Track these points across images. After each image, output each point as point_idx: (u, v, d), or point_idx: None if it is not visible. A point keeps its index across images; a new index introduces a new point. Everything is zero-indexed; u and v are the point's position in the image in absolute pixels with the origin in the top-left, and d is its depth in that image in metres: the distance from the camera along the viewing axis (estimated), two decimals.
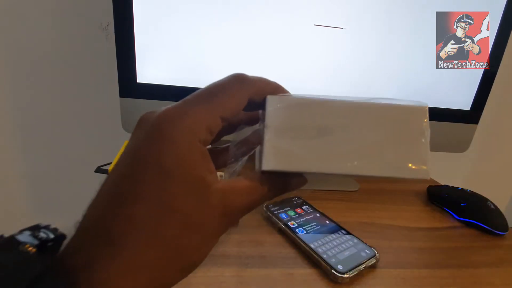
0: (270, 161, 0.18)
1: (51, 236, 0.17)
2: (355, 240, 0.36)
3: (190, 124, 0.16)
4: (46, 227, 0.17)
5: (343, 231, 0.38)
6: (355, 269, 0.32)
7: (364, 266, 0.33)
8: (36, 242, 0.16)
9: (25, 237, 0.16)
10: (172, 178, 0.15)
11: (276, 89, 0.19)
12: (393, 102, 0.19)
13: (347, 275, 0.31)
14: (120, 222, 0.15)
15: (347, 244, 0.36)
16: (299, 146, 0.18)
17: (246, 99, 0.18)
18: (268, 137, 0.18)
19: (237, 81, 0.18)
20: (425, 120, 0.19)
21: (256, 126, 0.20)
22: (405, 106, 0.19)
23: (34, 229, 0.17)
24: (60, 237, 0.17)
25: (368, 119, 0.18)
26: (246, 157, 0.20)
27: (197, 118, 0.16)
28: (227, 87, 0.17)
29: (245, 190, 0.17)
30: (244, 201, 0.17)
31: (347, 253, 0.34)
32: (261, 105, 0.19)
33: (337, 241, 0.36)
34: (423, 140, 0.19)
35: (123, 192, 0.15)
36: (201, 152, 0.16)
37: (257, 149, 0.20)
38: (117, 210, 0.15)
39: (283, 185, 0.19)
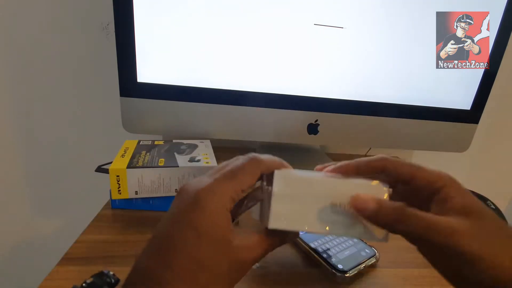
0: (274, 222, 0.23)
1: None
2: (355, 239, 0.36)
3: (220, 198, 0.21)
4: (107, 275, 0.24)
5: None
6: (355, 269, 0.32)
7: (364, 265, 0.33)
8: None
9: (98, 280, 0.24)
10: (205, 240, 0.20)
11: (281, 164, 0.25)
12: (364, 181, 0.25)
13: (347, 275, 0.31)
14: (164, 271, 0.19)
15: (347, 243, 0.36)
16: (295, 211, 0.24)
17: (259, 174, 0.24)
18: (274, 203, 0.23)
19: (254, 162, 0.24)
20: (386, 195, 0.24)
21: (258, 183, 0.25)
22: (369, 184, 0.25)
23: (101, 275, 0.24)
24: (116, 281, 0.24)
25: (344, 193, 0.24)
26: (254, 206, 0.27)
27: (226, 193, 0.22)
28: (247, 168, 0.23)
29: (255, 245, 0.23)
30: (255, 254, 0.23)
31: (347, 252, 0.34)
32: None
33: (337, 240, 0.36)
34: None
35: (167, 249, 0.20)
36: (227, 218, 0.21)
37: (260, 203, 0.27)
38: (162, 262, 0.20)
39: (283, 238, 0.25)
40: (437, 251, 0.23)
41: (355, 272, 0.31)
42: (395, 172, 0.25)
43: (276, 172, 0.24)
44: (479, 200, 0.24)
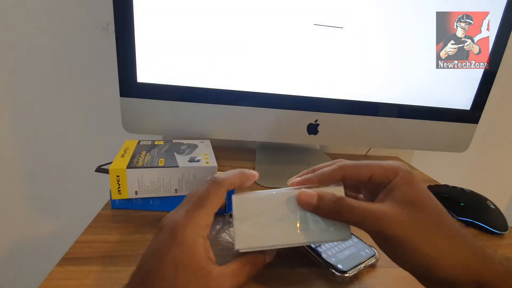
0: (240, 243, 0.25)
1: None
2: (355, 239, 0.36)
3: (195, 228, 0.23)
4: None
5: None
6: (355, 268, 0.32)
7: (364, 265, 0.33)
8: None
9: None
10: (184, 274, 0.21)
11: (243, 176, 0.27)
12: (317, 188, 0.27)
13: (347, 275, 0.31)
14: None
15: (346, 243, 0.36)
16: (259, 230, 0.25)
17: (225, 193, 0.25)
18: (236, 226, 0.25)
19: (216, 185, 0.25)
20: (342, 192, 0.26)
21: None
22: (326, 188, 0.26)
23: None
24: None
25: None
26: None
27: (199, 222, 0.23)
28: (211, 192, 0.25)
29: (237, 271, 0.24)
30: (238, 280, 0.24)
31: (347, 252, 0.34)
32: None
33: None
34: None
35: (148, 285, 0.21)
36: (205, 247, 0.23)
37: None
38: None
39: (259, 260, 0.26)
40: (376, 238, 0.25)
41: (355, 272, 0.31)
42: (355, 176, 0.27)
43: (234, 197, 0.26)
44: (429, 193, 0.25)
